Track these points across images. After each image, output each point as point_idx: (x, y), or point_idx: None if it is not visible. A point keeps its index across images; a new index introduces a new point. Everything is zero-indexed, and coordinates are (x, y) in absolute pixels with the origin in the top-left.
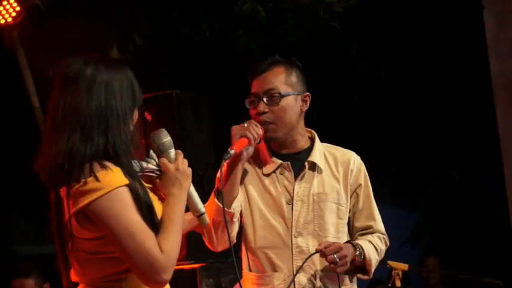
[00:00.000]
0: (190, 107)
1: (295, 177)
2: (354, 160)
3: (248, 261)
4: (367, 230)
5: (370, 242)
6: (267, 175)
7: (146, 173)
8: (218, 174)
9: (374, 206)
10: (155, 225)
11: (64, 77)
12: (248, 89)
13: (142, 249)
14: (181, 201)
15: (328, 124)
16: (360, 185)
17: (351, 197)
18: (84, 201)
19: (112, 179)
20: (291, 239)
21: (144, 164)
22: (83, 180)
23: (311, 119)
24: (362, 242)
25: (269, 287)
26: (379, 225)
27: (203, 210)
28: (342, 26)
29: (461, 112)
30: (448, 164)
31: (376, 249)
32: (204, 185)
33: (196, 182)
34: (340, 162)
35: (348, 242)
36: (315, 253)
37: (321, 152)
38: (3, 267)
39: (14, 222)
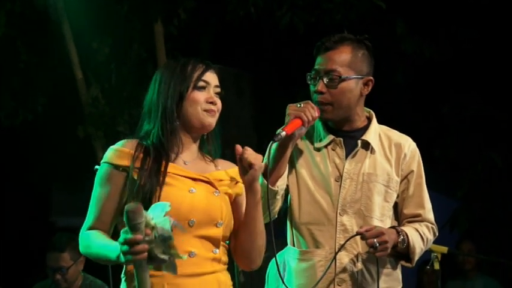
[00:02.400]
0: (232, 84)
1: (347, 155)
2: (409, 145)
3: (292, 236)
4: (416, 218)
5: (417, 230)
6: (318, 149)
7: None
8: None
9: (425, 194)
10: None
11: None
12: (293, 68)
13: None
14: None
15: (371, 105)
16: (412, 171)
17: (401, 183)
18: None
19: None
20: (336, 217)
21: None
22: None
23: None
24: (407, 229)
25: (310, 263)
26: (429, 214)
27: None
28: (387, 5)
29: (508, 95)
30: (492, 148)
31: (422, 238)
32: None
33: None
34: (394, 145)
35: (392, 227)
36: (355, 235)
37: (376, 132)
38: (42, 238)
39: (54, 193)
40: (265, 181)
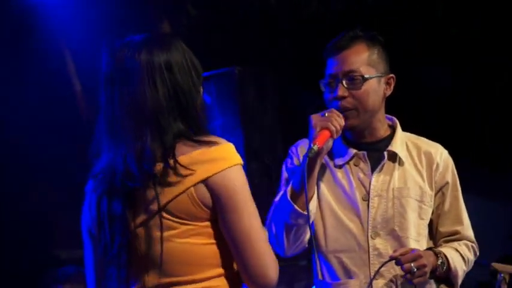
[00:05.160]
0: (254, 85)
1: (372, 169)
2: (441, 154)
3: (320, 268)
4: (454, 236)
5: (457, 250)
6: (339, 167)
7: None
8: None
9: (462, 208)
10: None
11: (117, 69)
12: (321, 64)
13: (265, 241)
14: None
15: (412, 99)
16: (447, 183)
17: (435, 196)
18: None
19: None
20: (368, 241)
21: None
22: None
23: (390, 96)
24: (446, 250)
25: None
26: (468, 230)
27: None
28: None
29: None
30: None
31: (464, 259)
32: (272, 174)
33: (262, 172)
34: (424, 155)
35: (429, 248)
36: (389, 260)
37: (403, 141)
38: (44, 271)
39: (58, 224)
40: (296, 207)
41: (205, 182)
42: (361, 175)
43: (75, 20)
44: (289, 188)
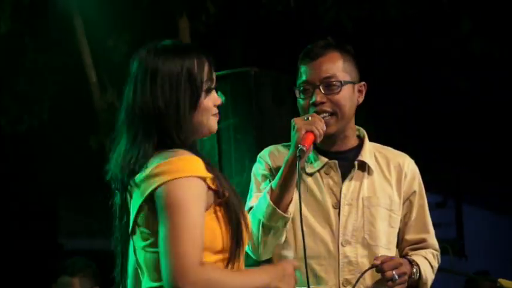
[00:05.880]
0: (270, 88)
1: (343, 178)
2: (409, 164)
3: None
4: (420, 244)
5: (426, 258)
6: (310, 174)
7: None
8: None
9: (428, 217)
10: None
11: (132, 69)
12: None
13: (181, 248)
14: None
15: (427, 114)
16: (414, 192)
17: (403, 205)
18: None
19: (187, 166)
20: (338, 248)
21: None
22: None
23: (405, 108)
24: (417, 258)
25: None
26: (433, 239)
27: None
28: None
29: None
30: None
31: (432, 268)
32: None
33: None
34: (392, 165)
35: (403, 257)
36: (371, 268)
37: (371, 151)
38: (49, 261)
39: (62, 214)
40: (275, 207)
41: (152, 193)
42: (332, 183)
43: (95, 13)
44: (268, 190)
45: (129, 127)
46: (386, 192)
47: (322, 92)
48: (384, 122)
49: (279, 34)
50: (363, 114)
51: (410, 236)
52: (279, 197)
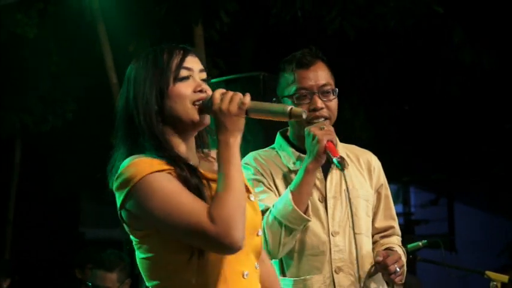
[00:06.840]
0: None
1: (324, 174)
2: (375, 159)
3: (282, 266)
4: (389, 231)
5: (400, 247)
6: (294, 172)
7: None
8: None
9: (393, 206)
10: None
11: None
12: (343, 76)
13: (187, 225)
14: (231, 150)
15: (422, 117)
16: (382, 184)
17: (374, 196)
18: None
19: (140, 168)
20: (329, 239)
21: None
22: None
23: (403, 110)
24: (398, 248)
25: None
26: (397, 225)
27: (288, 108)
28: (445, 10)
29: None
30: None
31: (404, 254)
32: None
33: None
34: (362, 160)
35: (387, 248)
36: (376, 264)
37: (343, 149)
38: (70, 249)
39: (84, 204)
40: (301, 213)
41: (123, 205)
42: (316, 180)
43: (118, 21)
44: (290, 197)
45: (116, 133)
46: (362, 185)
47: (320, 98)
48: (382, 124)
49: (287, 41)
50: (362, 116)
51: (379, 224)
52: (301, 202)
